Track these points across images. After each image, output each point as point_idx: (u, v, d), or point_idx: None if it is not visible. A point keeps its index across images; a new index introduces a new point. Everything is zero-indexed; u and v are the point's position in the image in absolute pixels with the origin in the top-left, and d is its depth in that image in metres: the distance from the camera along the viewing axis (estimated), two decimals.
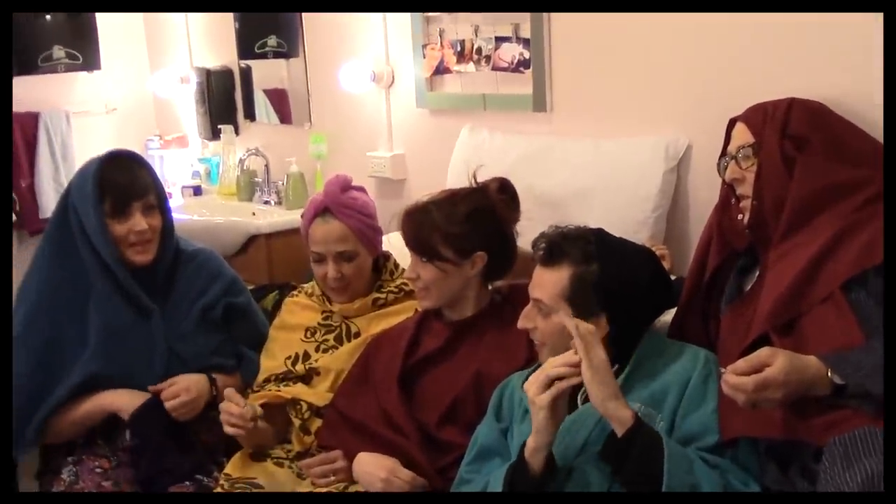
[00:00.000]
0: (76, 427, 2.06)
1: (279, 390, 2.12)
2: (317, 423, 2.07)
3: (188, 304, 2.17)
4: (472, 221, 1.99)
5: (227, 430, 1.97)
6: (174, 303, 2.16)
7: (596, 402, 1.53)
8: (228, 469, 2.04)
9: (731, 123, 1.83)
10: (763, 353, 1.44)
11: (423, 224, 1.99)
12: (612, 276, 1.70)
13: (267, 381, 2.17)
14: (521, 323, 1.75)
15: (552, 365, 1.57)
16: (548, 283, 1.72)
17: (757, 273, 1.75)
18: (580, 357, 1.54)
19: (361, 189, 2.27)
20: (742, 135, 1.77)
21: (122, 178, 2.07)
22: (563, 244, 1.74)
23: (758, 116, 1.76)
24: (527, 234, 2.27)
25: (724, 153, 1.83)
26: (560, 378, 1.55)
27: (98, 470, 2.04)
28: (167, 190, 4.01)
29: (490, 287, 2.09)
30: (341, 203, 2.16)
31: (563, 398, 1.57)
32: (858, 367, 1.43)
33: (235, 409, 1.95)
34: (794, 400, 1.45)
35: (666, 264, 2.03)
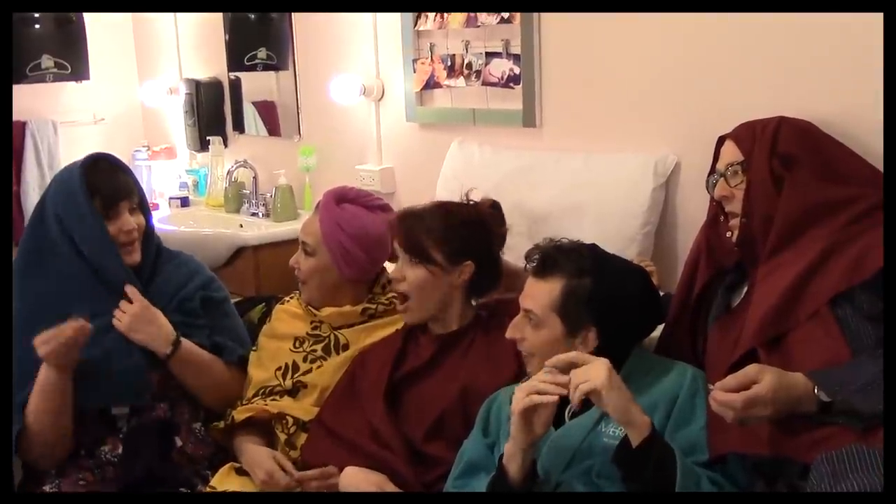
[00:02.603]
0: (47, 413, 1.97)
1: (266, 405, 2.10)
2: (302, 438, 2.06)
3: (167, 298, 2.14)
4: (464, 230, 2.03)
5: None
6: (153, 296, 2.12)
7: (618, 408, 1.50)
8: (214, 482, 2.03)
9: (720, 141, 1.84)
10: (751, 370, 1.45)
11: (416, 226, 2.02)
12: (604, 290, 1.71)
13: (256, 394, 2.15)
14: (510, 333, 1.75)
15: (542, 379, 1.57)
16: (539, 294, 1.72)
17: (745, 289, 1.76)
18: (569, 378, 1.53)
19: (378, 209, 2.25)
20: (731, 152, 1.78)
21: (108, 180, 2.07)
22: (557, 256, 1.74)
23: (747, 134, 1.78)
24: (517, 248, 2.28)
25: (712, 170, 1.84)
26: (541, 393, 1.55)
27: (81, 482, 2.02)
28: (154, 201, 4.03)
29: (474, 303, 2.09)
30: (327, 206, 2.21)
31: (545, 413, 1.57)
32: (845, 384, 1.44)
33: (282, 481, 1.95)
34: (782, 417, 1.45)
35: (653, 280, 2.03)
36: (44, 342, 1.92)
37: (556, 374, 1.56)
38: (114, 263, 2.07)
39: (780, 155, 1.71)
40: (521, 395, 1.57)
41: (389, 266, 2.29)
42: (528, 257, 1.79)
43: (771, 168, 1.71)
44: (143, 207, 2.14)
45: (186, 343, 2.09)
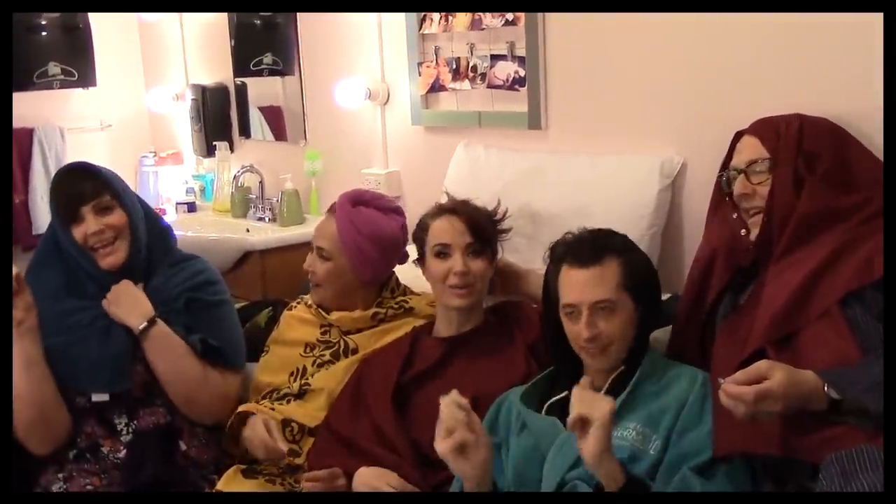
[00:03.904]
0: (29, 387, 1.98)
1: (272, 408, 2.10)
2: (309, 443, 2.06)
3: (163, 299, 2.15)
4: (494, 227, 2.08)
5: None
6: (150, 293, 2.13)
7: (592, 456, 1.49)
8: (220, 486, 2.03)
9: (737, 137, 1.82)
10: (762, 365, 1.44)
11: (475, 215, 2.04)
12: (647, 263, 1.78)
13: (264, 398, 2.15)
14: (589, 332, 1.68)
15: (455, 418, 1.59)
16: (604, 279, 1.70)
17: (751, 288, 1.74)
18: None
19: (392, 211, 2.28)
20: (754, 148, 1.76)
21: (69, 188, 2.11)
22: (602, 240, 1.75)
23: (770, 131, 1.75)
24: (523, 251, 2.28)
25: (725, 166, 1.82)
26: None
27: (89, 487, 2.02)
28: (161, 206, 4.04)
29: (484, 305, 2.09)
30: (343, 208, 2.22)
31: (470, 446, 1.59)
32: (855, 383, 1.43)
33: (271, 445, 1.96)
34: (791, 414, 1.44)
35: None
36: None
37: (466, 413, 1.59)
38: (89, 267, 2.10)
39: (806, 153, 1.70)
40: (440, 441, 1.60)
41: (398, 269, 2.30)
42: (563, 255, 1.75)
43: (796, 168, 1.69)
44: (124, 205, 2.12)
45: (162, 325, 2.08)
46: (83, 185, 2.11)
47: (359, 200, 2.24)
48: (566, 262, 1.73)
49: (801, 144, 1.71)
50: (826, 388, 1.43)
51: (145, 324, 2.06)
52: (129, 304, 2.08)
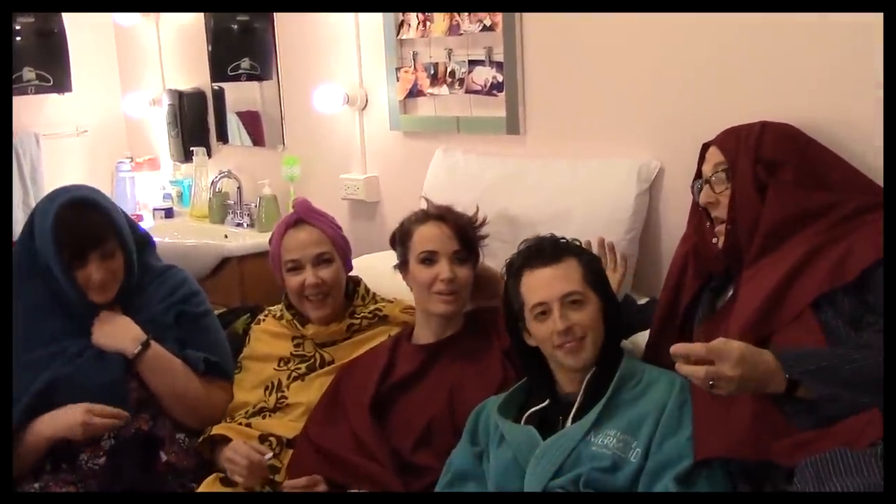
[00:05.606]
0: (27, 456, 2.00)
1: (248, 424, 2.08)
2: (289, 455, 2.03)
3: (148, 317, 2.14)
4: (475, 232, 2.09)
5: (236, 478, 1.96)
6: (134, 312, 2.13)
7: None
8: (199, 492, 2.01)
9: (705, 147, 1.84)
10: (718, 344, 1.46)
11: (463, 222, 2.06)
12: (601, 265, 1.83)
13: (241, 416, 2.13)
14: (563, 324, 1.70)
15: None
16: (568, 274, 1.74)
17: (730, 292, 1.76)
18: None
19: None
20: (715, 159, 1.79)
21: (78, 228, 2.04)
22: (558, 243, 1.80)
23: (730, 141, 1.78)
24: (501, 256, 2.28)
25: (698, 175, 1.84)
26: None
27: None
28: (138, 212, 4.01)
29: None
30: (314, 211, 2.22)
31: None
32: (802, 362, 1.45)
33: (254, 458, 1.94)
34: (751, 389, 1.46)
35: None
36: (87, 423, 1.94)
37: None
38: (79, 303, 2.07)
39: (764, 161, 1.72)
40: None
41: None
42: (530, 255, 1.78)
43: (755, 174, 1.71)
44: (124, 245, 2.10)
45: (156, 346, 2.07)
46: (93, 227, 2.05)
47: (312, 206, 2.25)
48: (527, 267, 1.77)
49: (758, 151, 1.73)
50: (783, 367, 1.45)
51: (140, 348, 2.04)
52: (119, 331, 2.06)
